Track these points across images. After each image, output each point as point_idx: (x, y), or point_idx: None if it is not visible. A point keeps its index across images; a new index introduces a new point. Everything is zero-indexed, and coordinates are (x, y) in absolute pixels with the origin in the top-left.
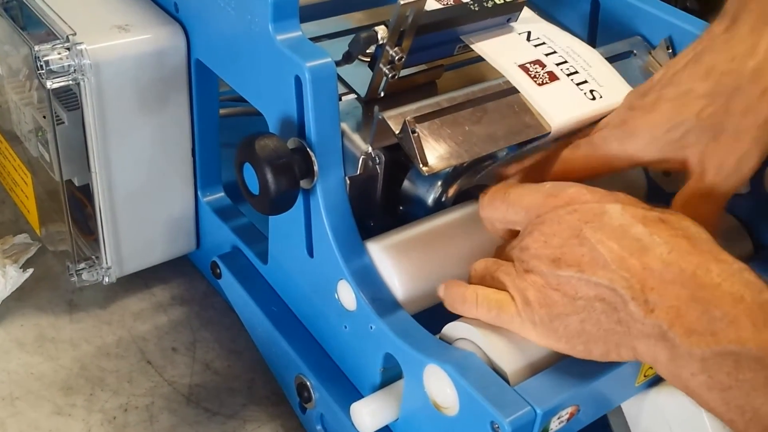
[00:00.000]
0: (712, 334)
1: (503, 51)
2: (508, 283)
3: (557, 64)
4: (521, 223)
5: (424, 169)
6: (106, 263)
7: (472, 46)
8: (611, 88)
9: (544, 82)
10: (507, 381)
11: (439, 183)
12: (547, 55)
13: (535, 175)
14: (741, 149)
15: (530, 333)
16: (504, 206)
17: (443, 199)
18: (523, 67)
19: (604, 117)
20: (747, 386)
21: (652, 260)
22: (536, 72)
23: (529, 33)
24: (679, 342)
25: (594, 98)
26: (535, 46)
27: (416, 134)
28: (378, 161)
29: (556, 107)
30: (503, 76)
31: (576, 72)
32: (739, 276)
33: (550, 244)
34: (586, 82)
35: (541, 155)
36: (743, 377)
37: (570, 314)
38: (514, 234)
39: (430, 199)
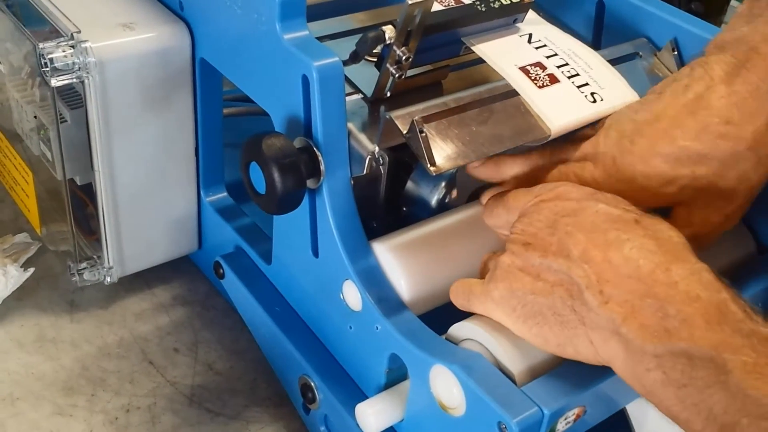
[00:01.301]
0: (665, 332)
1: (504, 53)
2: (489, 266)
3: (558, 67)
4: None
5: (432, 169)
6: (108, 263)
7: (473, 48)
8: (613, 90)
9: (545, 84)
10: (514, 382)
11: (443, 184)
12: (548, 57)
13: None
14: (730, 209)
15: (494, 312)
16: (504, 212)
17: (447, 200)
18: (523, 69)
19: (604, 119)
20: (701, 384)
21: (614, 255)
22: (537, 74)
23: (530, 35)
24: (632, 337)
25: (595, 101)
26: (537, 48)
27: (424, 134)
28: (382, 162)
29: (556, 110)
30: None
31: (577, 74)
32: (698, 276)
33: (527, 231)
34: (587, 84)
35: (535, 161)
36: (697, 375)
37: (528, 293)
38: None
39: (433, 200)
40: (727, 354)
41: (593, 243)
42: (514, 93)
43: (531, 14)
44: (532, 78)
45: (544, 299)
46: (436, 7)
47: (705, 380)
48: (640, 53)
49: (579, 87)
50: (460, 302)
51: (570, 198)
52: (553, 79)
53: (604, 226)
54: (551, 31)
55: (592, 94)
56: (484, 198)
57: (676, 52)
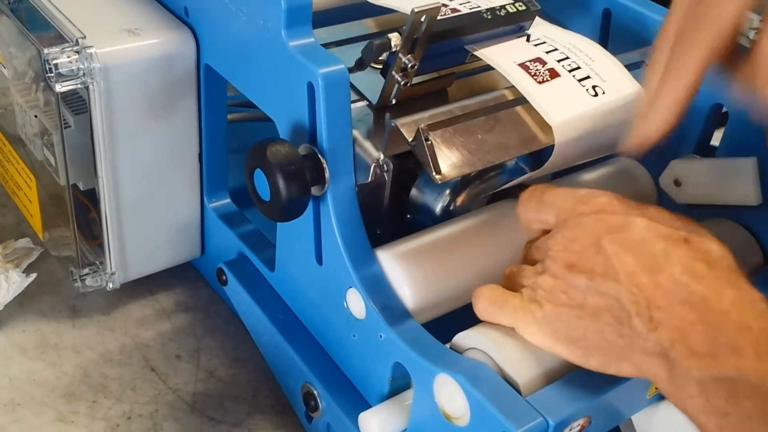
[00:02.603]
0: (712, 358)
1: (503, 52)
2: (522, 281)
3: (558, 61)
4: (553, 224)
5: (438, 177)
6: (111, 269)
7: (474, 52)
8: (615, 82)
9: (545, 79)
10: (519, 391)
11: (448, 192)
12: (548, 52)
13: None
14: None
15: (528, 328)
16: (539, 206)
17: (451, 207)
18: (522, 65)
19: (606, 113)
20: (744, 414)
21: (664, 279)
22: (536, 70)
23: (528, 36)
24: (679, 362)
25: (596, 94)
26: (536, 45)
27: (429, 142)
28: (386, 169)
29: (557, 105)
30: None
31: (578, 68)
32: (752, 305)
33: (569, 248)
34: (588, 77)
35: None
36: (741, 405)
37: (573, 318)
38: (548, 232)
39: (438, 208)
40: None
41: (642, 265)
42: (520, 101)
43: None
44: (532, 74)
45: (590, 323)
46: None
47: (749, 411)
48: (646, 61)
49: (580, 81)
50: (484, 307)
51: (615, 212)
52: (554, 74)
53: (653, 247)
54: (550, 29)
55: (594, 87)
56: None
57: None
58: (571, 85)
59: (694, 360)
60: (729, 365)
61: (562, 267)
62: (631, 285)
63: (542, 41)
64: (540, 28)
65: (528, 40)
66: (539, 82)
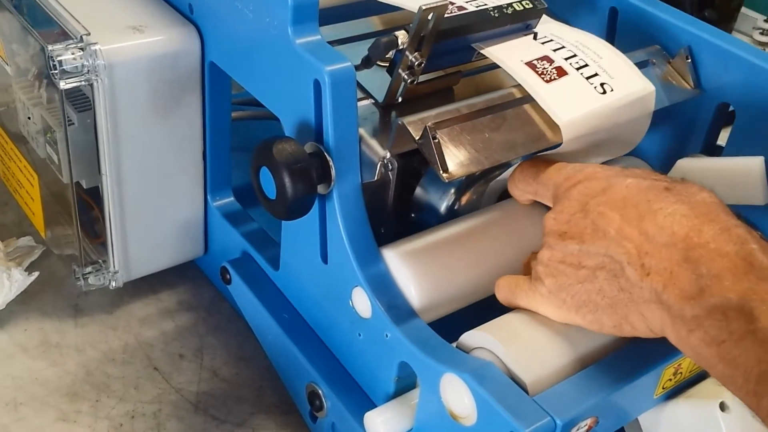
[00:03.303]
0: (699, 291)
1: (510, 50)
2: (532, 265)
3: (566, 59)
4: (549, 198)
5: (445, 176)
6: (114, 267)
7: (480, 50)
8: (623, 79)
9: (552, 78)
10: (526, 391)
11: (453, 191)
12: (555, 50)
13: None
14: None
15: (541, 306)
16: (534, 183)
17: (456, 206)
18: (530, 64)
19: (615, 110)
20: (736, 337)
21: (649, 226)
22: (544, 68)
23: (535, 34)
24: (672, 303)
25: (605, 92)
26: (543, 43)
27: (437, 140)
28: (391, 167)
29: (564, 104)
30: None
31: (586, 65)
32: (729, 234)
33: (559, 219)
34: (596, 75)
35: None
36: (732, 328)
37: (574, 284)
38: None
39: (443, 207)
40: (755, 303)
41: (627, 219)
42: (527, 99)
43: None
44: (539, 72)
45: (590, 285)
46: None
47: (739, 332)
48: (653, 60)
49: (588, 78)
50: (503, 296)
51: (597, 177)
52: (561, 72)
53: (636, 200)
54: (557, 27)
55: (602, 84)
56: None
57: (689, 60)
58: (578, 83)
59: (684, 297)
60: (712, 293)
61: (556, 238)
62: (619, 238)
63: (549, 39)
64: (547, 26)
65: (535, 38)
66: (547, 81)
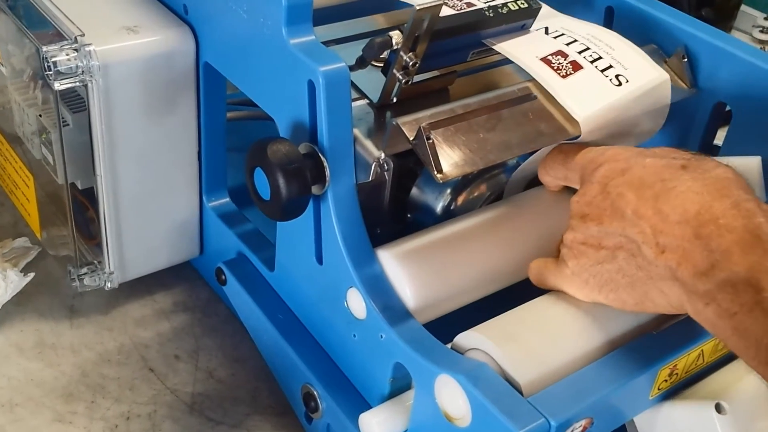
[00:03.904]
0: (711, 267)
1: (523, 47)
2: (560, 247)
3: (579, 52)
4: (577, 182)
5: (439, 176)
6: (109, 268)
7: (493, 46)
8: (637, 69)
9: (568, 73)
10: (520, 392)
11: (449, 191)
12: (568, 44)
13: None
14: None
15: (566, 286)
16: (563, 169)
17: (452, 207)
18: (545, 60)
19: (631, 101)
20: (746, 309)
21: (663, 205)
22: (559, 63)
23: (546, 28)
24: (686, 279)
25: (620, 83)
26: (555, 37)
27: (431, 141)
28: (386, 168)
29: (581, 100)
30: (516, 83)
31: (600, 57)
32: (737, 208)
33: (581, 202)
34: (611, 67)
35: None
36: (742, 301)
37: (595, 264)
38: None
39: (439, 207)
40: (761, 274)
41: (643, 198)
42: (522, 99)
43: (545, 8)
44: (555, 68)
45: (610, 265)
46: (446, 11)
47: (748, 304)
48: None
49: (603, 71)
50: (534, 277)
51: (618, 159)
52: (576, 66)
53: (652, 179)
54: (566, 21)
55: (617, 76)
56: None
57: (686, 59)
58: (594, 77)
59: (697, 272)
60: (722, 267)
61: (578, 220)
62: (635, 218)
63: (561, 33)
64: (556, 20)
65: (546, 32)
66: (563, 76)
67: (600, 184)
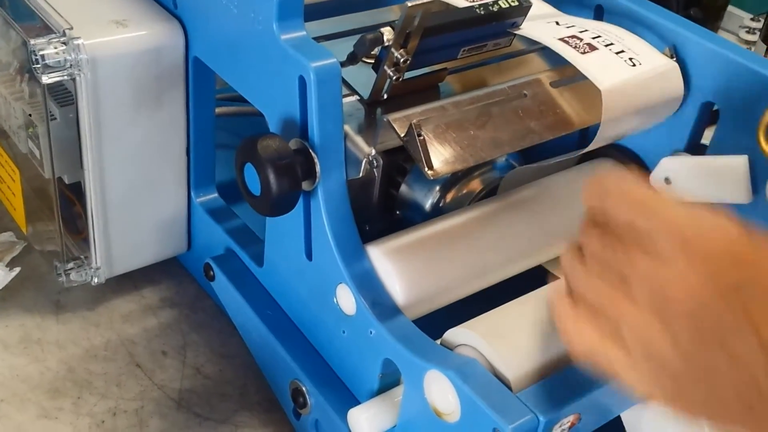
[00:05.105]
0: None
1: (541, 29)
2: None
3: (593, 38)
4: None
5: (430, 173)
6: (96, 263)
7: (516, 32)
8: (648, 55)
9: (586, 51)
10: (509, 388)
11: (438, 188)
12: (581, 32)
13: None
14: None
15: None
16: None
17: (441, 204)
18: (563, 40)
19: (646, 81)
20: None
21: None
22: (576, 44)
23: (557, 22)
24: None
25: (634, 65)
26: (567, 27)
27: (422, 137)
28: (376, 164)
29: (604, 71)
30: (507, 81)
31: (612, 43)
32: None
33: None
34: (623, 51)
35: None
36: None
37: None
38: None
39: (428, 204)
40: None
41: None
42: (513, 97)
43: (548, 8)
44: (573, 46)
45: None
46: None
47: None
48: None
49: (617, 53)
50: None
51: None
52: (592, 48)
53: None
54: (576, 18)
55: (630, 59)
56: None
57: (674, 58)
58: (610, 57)
59: None
60: None
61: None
62: None
63: (572, 25)
64: (564, 17)
65: (558, 24)
66: (582, 53)
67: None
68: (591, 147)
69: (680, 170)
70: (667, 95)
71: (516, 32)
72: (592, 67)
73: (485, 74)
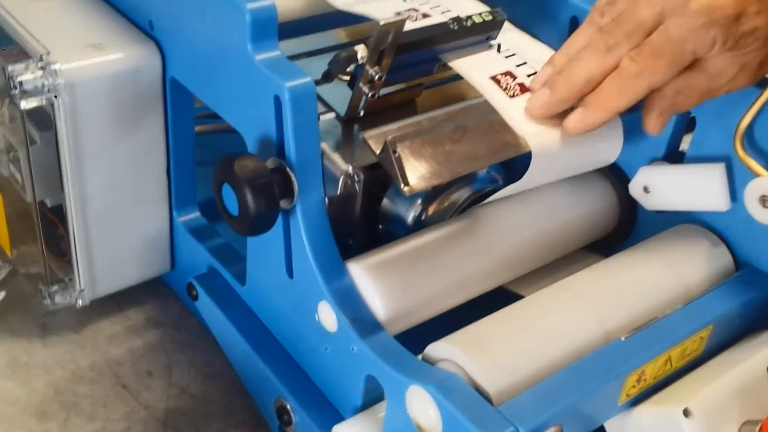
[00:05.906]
0: None
1: (475, 64)
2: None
3: (528, 75)
4: None
5: (406, 189)
6: (80, 285)
7: (448, 63)
8: None
9: (515, 93)
10: (490, 401)
11: (419, 201)
12: (518, 66)
13: None
14: None
15: None
16: None
17: (423, 217)
18: (494, 78)
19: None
20: None
21: None
22: (507, 84)
23: (499, 45)
24: None
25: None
26: (506, 57)
27: (397, 154)
28: (357, 179)
29: (526, 120)
30: (482, 95)
31: None
32: None
33: None
34: None
35: None
36: None
37: None
38: None
39: (410, 218)
40: None
41: None
42: (488, 111)
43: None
44: (503, 87)
45: None
46: (409, 26)
47: None
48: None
49: None
50: None
51: None
52: (524, 89)
53: None
54: (520, 39)
55: None
56: None
57: None
58: None
59: None
60: None
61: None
62: None
63: (512, 53)
64: (511, 35)
65: (499, 50)
66: (510, 96)
67: None
68: (516, 188)
69: (659, 179)
70: (605, 133)
71: (449, 64)
72: (517, 114)
73: (461, 88)
